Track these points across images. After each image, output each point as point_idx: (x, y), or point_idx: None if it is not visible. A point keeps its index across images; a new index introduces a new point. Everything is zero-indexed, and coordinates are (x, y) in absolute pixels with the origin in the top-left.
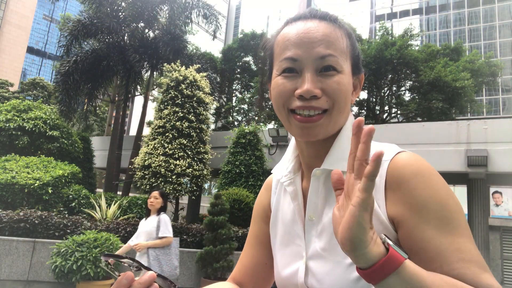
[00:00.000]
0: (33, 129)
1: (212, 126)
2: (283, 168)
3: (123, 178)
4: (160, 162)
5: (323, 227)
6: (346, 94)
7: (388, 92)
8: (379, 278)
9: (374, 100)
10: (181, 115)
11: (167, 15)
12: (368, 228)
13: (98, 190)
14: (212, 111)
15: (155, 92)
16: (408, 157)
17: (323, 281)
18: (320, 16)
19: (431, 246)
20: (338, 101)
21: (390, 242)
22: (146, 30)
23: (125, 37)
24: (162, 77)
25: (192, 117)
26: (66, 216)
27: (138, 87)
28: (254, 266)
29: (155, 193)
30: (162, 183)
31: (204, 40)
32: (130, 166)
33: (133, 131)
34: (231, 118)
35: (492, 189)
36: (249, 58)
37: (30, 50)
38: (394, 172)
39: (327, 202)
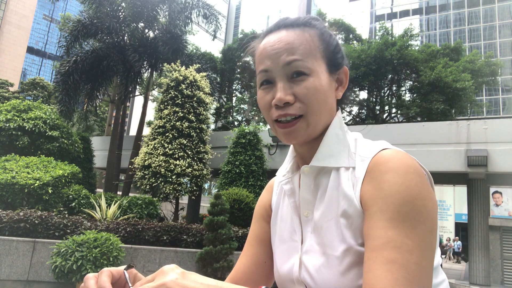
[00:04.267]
0: (33, 129)
1: (212, 126)
2: (283, 169)
3: (123, 178)
4: (160, 162)
5: (315, 222)
6: (319, 96)
7: (388, 92)
8: None
9: (374, 100)
10: (181, 115)
11: (167, 15)
12: None
13: (98, 190)
14: (212, 111)
15: (155, 92)
16: (389, 154)
17: (314, 275)
18: (287, 25)
19: (378, 235)
20: (310, 105)
21: None
22: (146, 30)
23: (125, 37)
24: (162, 77)
25: (192, 117)
26: (66, 216)
27: (138, 87)
28: (254, 265)
29: None
30: (162, 183)
31: (204, 40)
32: (130, 166)
33: (133, 131)
34: (231, 118)
35: (492, 189)
36: (249, 58)
37: (30, 50)
38: (373, 168)
39: (318, 197)
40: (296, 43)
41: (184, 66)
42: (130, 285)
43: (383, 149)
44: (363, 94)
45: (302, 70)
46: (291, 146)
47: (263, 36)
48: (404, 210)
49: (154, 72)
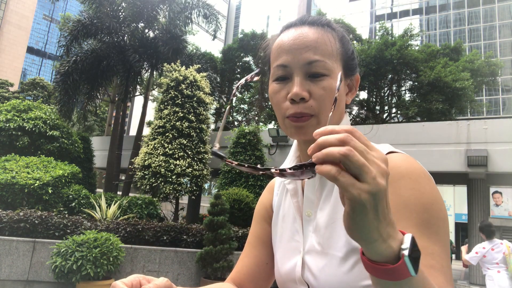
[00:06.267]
0: (33, 129)
1: (212, 126)
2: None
3: (123, 178)
4: (160, 162)
5: (318, 222)
6: (333, 97)
7: (388, 92)
8: (377, 275)
9: (374, 100)
10: (181, 115)
11: (167, 15)
12: (368, 227)
13: (98, 190)
14: (212, 111)
15: (155, 92)
16: (398, 158)
17: (317, 275)
18: (310, 22)
19: None
20: (324, 105)
21: (406, 254)
22: (146, 30)
23: (125, 37)
24: (162, 77)
25: (192, 117)
26: (66, 216)
27: (138, 87)
28: (255, 266)
29: None
30: (162, 183)
31: (204, 40)
32: (130, 166)
33: (133, 131)
34: (231, 118)
35: (492, 189)
36: (249, 58)
37: (30, 50)
38: None
39: (322, 198)
40: (319, 41)
41: (184, 66)
42: None
43: (389, 153)
44: (363, 94)
45: (322, 71)
46: (293, 145)
47: (282, 29)
48: (426, 217)
49: (154, 72)
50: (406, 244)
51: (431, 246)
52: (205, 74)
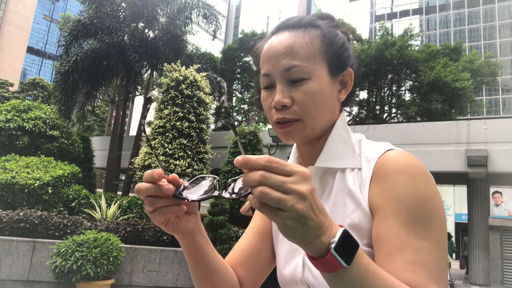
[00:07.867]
0: (33, 129)
1: (212, 126)
2: None
3: (123, 178)
4: (160, 162)
5: None
6: (317, 100)
7: (388, 92)
8: (318, 268)
9: (374, 100)
10: (181, 115)
11: (166, 13)
12: (300, 236)
13: (98, 190)
14: (212, 111)
15: (155, 92)
16: (396, 154)
17: (317, 275)
18: (288, 26)
19: (394, 239)
20: (307, 109)
21: (332, 247)
22: (146, 30)
23: (125, 37)
24: (162, 77)
25: (192, 117)
26: (66, 216)
27: (138, 87)
28: (248, 253)
29: None
30: None
31: (204, 40)
32: (130, 166)
33: (133, 131)
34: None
35: (492, 189)
36: (249, 58)
37: (30, 50)
38: (380, 169)
39: (323, 198)
40: (296, 46)
41: (184, 66)
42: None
43: (389, 150)
44: (363, 94)
45: (301, 75)
46: (294, 146)
47: (269, 36)
48: (418, 213)
49: (154, 72)
50: (335, 238)
51: (418, 242)
52: (205, 74)
